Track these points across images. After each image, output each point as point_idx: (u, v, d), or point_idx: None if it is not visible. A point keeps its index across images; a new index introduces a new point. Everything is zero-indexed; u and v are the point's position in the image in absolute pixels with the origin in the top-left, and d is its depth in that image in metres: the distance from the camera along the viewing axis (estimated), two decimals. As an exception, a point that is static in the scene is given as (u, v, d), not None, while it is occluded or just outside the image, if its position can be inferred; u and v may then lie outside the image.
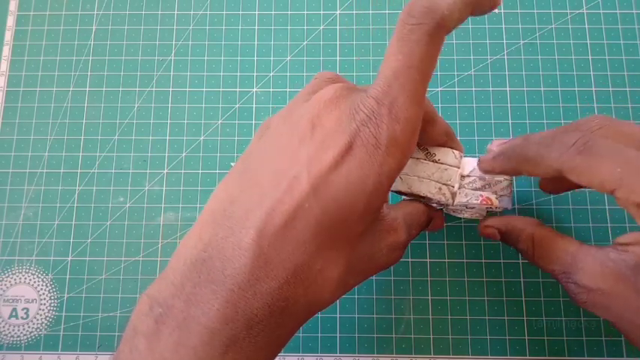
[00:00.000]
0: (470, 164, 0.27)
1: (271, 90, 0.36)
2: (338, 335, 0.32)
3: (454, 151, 0.27)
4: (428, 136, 0.26)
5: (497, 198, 0.27)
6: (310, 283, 0.20)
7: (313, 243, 0.19)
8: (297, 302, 0.20)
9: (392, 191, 0.27)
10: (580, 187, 0.28)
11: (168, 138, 0.35)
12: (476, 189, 0.27)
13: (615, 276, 0.21)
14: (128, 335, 0.19)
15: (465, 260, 0.32)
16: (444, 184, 0.27)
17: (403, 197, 0.31)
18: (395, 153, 0.20)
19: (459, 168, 0.27)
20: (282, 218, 0.19)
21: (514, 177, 0.27)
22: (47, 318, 0.33)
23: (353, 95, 0.21)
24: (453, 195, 0.27)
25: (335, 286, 0.20)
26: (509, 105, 0.35)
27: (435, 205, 0.30)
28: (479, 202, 0.26)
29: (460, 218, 0.33)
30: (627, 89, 0.35)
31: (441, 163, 0.27)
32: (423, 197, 0.27)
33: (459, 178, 0.27)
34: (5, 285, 0.33)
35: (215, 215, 0.20)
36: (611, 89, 0.35)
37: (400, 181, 0.27)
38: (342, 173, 0.19)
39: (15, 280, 0.33)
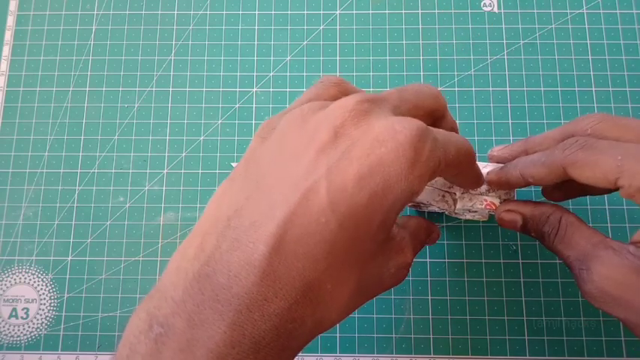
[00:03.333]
0: None
1: (271, 90, 0.36)
2: (338, 335, 0.32)
3: None
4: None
5: (500, 202, 0.27)
6: (319, 304, 0.18)
7: (325, 261, 0.18)
8: (304, 324, 0.18)
9: None
10: (582, 193, 0.28)
11: (168, 138, 0.35)
12: (480, 193, 0.27)
13: (632, 268, 0.21)
14: (124, 354, 0.18)
15: (464, 260, 0.32)
16: (446, 191, 0.27)
17: None
18: (425, 178, 0.19)
19: None
20: (295, 233, 0.18)
21: None
22: (47, 318, 0.33)
23: (383, 110, 0.20)
24: (455, 201, 0.27)
25: (344, 307, 0.20)
26: (509, 105, 0.35)
27: (436, 209, 0.30)
28: (483, 206, 0.26)
29: (460, 218, 0.33)
30: (627, 89, 0.35)
31: None
32: (426, 204, 0.27)
33: None
34: (5, 285, 0.33)
35: (218, 224, 0.19)
36: (611, 89, 0.35)
37: None
38: (367, 189, 0.18)
39: (15, 280, 0.33)
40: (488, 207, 0.26)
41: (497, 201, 0.27)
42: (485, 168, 0.27)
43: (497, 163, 0.27)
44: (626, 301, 0.21)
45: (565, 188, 0.29)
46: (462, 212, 0.29)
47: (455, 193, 0.27)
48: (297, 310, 0.18)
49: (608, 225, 0.32)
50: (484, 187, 0.27)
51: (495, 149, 0.28)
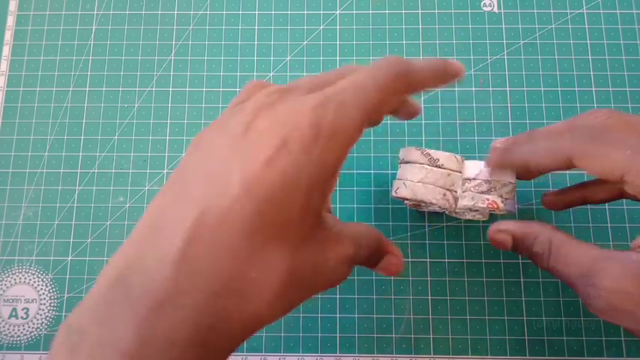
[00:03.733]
0: (474, 167, 0.27)
1: (271, 90, 0.36)
2: (338, 335, 0.32)
3: (456, 155, 0.27)
4: (409, 107, 0.26)
5: (502, 201, 0.27)
6: (244, 295, 0.18)
7: (246, 249, 0.18)
8: (229, 317, 0.18)
9: (396, 197, 0.27)
10: (582, 202, 0.28)
11: (168, 138, 0.35)
12: (482, 192, 0.27)
13: (637, 277, 0.20)
14: None
15: (465, 260, 0.32)
16: (447, 189, 0.27)
17: (405, 203, 0.31)
18: (334, 147, 0.19)
19: (460, 172, 0.27)
20: (210, 223, 0.17)
21: (516, 181, 0.27)
22: (47, 318, 0.33)
23: (290, 96, 0.20)
24: (456, 200, 0.27)
25: (273, 297, 0.18)
26: (509, 105, 0.35)
27: (437, 209, 0.30)
28: (485, 205, 0.26)
29: (460, 218, 0.33)
30: (627, 89, 0.35)
31: (445, 169, 0.27)
32: (427, 203, 0.27)
33: (462, 183, 0.27)
34: (5, 285, 0.33)
35: (143, 229, 0.19)
36: (611, 89, 0.35)
37: (404, 188, 0.27)
38: (277, 170, 0.18)
39: (15, 280, 0.33)
40: (490, 206, 0.26)
41: (499, 200, 0.27)
42: (476, 164, 0.27)
43: (495, 167, 0.27)
44: (635, 313, 0.20)
45: (565, 197, 0.29)
46: (463, 212, 0.29)
47: (455, 191, 0.27)
48: (218, 302, 0.17)
49: (608, 225, 0.32)
50: (485, 187, 0.27)
51: (498, 141, 0.28)
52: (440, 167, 0.27)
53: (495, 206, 0.26)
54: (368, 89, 0.20)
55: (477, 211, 0.28)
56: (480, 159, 0.27)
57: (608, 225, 0.33)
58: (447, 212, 0.31)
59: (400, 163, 0.28)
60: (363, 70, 0.21)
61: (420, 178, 0.27)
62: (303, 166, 0.18)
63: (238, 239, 0.18)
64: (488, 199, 0.26)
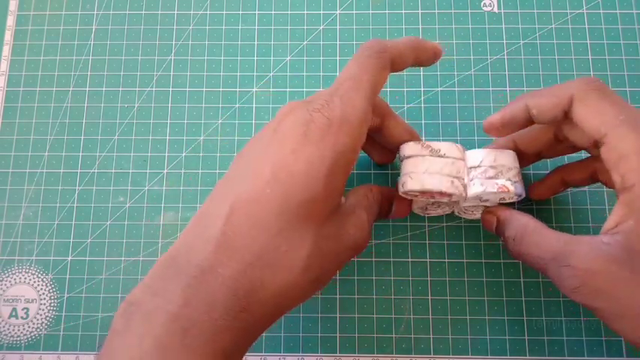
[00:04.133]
0: (477, 155, 0.27)
1: (271, 90, 0.36)
2: (338, 335, 0.32)
3: (457, 145, 0.27)
4: (391, 132, 0.28)
5: (511, 184, 0.26)
6: (277, 266, 0.21)
7: (276, 226, 0.21)
8: (263, 286, 0.20)
9: (404, 192, 0.27)
10: (565, 186, 0.30)
11: (168, 138, 0.35)
12: (489, 177, 0.26)
13: (608, 257, 0.21)
14: (107, 337, 0.21)
15: (465, 260, 0.32)
16: (454, 177, 0.26)
17: (413, 209, 0.31)
18: (348, 131, 0.22)
19: (464, 160, 0.27)
20: (244, 206, 0.21)
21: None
22: (47, 318, 0.33)
23: (306, 102, 0.23)
24: (465, 187, 0.27)
25: (304, 267, 0.21)
26: (509, 105, 0.35)
27: (447, 209, 0.30)
28: (496, 190, 0.26)
29: (460, 218, 0.33)
30: (627, 89, 0.35)
31: (448, 157, 0.26)
32: (438, 193, 0.26)
33: (467, 171, 0.27)
34: (5, 285, 0.33)
35: (192, 222, 0.23)
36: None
37: (410, 180, 0.26)
38: (301, 158, 0.21)
39: (15, 280, 0.33)
40: (500, 190, 0.26)
41: (508, 184, 0.26)
42: (478, 152, 0.27)
43: (499, 124, 0.27)
44: (606, 291, 0.21)
45: (547, 182, 0.30)
46: (472, 209, 0.29)
47: (463, 179, 0.27)
48: (253, 272, 0.20)
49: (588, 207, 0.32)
50: (492, 172, 0.26)
51: (491, 116, 0.27)
52: (443, 156, 0.26)
53: (506, 189, 0.26)
54: (360, 76, 0.24)
55: (486, 201, 0.28)
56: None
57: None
58: (455, 211, 0.31)
59: (401, 160, 0.28)
60: (351, 62, 0.24)
61: (425, 169, 0.26)
62: (323, 150, 0.21)
63: (269, 218, 0.21)
64: (497, 184, 0.26)
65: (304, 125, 0.22)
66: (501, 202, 0.28)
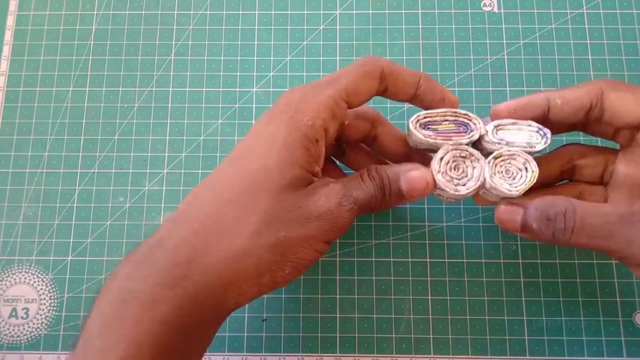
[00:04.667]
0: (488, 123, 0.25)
1: (271, 90, 0.36)
2: (338, 335, 0.32)
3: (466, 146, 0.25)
4: (382, 139, 0.28)
5: (537, 131, 0.25)
6: (223, 232, 0.22)
7: (227, 196, 0.22)
8: (207, 252, 0.21)
9: (421, 122, 0.25)
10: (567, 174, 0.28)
11: (168, 138, 0.35)
12: (513, 154, 0.24)
13: None
14: None
15: (464, 260, 0.32)
16: (462, 155, 0.25)
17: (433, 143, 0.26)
18: (304, 108, 0.23)
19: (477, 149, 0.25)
20: (207, 184, 0.23)
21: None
22: (47, 318, 0.33)
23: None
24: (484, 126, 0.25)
25: (253, 231, 0.22)
26: (509, 105, 0.35)
27: (473, 173, 0.25)
28: (518, 125, 0.25)
29: (460, 218, 0.33)
30: (627, 89, 0.35)
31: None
32: (455, 126, 0.25)
33: (479, 144, 0.25)
34: (5, 285, 0.33)
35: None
36: (611, 89, 0.35)
37: (416, 133, 0.25)
38: (261, 135, 0.24)
39: (15, 280, 0.33)
40: (522, 124, 0.25)
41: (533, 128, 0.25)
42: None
43: (507, 115, 0.26)
44: None
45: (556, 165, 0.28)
46: (498, 186, 0.25)
47: (478, 159, 0.24)
48: (197, 239, 0.21)
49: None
50: (514, 128, 0.25)
51: (502, 104, 0.26)
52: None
53: (529, 124, 0.25)
54: (338, 75, 0.25)
55: (513, 177, 0.25)
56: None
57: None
58: (481, 193, 0.26)
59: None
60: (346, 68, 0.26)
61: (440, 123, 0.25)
62: (278, 126, 0.23)
63: (220, 189, 0.23)
64: (521, 125, 0.25)
65: (269, 113, 0.25)
66: (531, 152, 0.25)
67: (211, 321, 0.22)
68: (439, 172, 0.24)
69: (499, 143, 0.25)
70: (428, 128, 0.25)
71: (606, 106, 0.24)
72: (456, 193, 0.25)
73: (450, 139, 0.25)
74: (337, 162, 0.31)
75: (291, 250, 0.22)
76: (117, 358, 0.20)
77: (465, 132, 0.25)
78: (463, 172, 0.25)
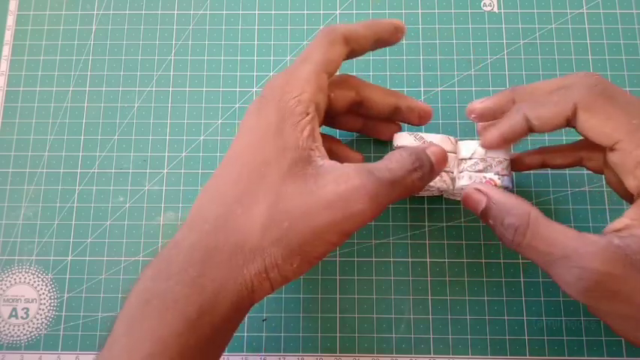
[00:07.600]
0: (469, 146, 0.27)
1: (271, 90, 0.36)
2: (338, 335, 0.32)
3: (450, 137, 0.27)
4: (370, 98, 0.29)
5: (499, 178, 0.27)
6: (231, 228, 0.22)
7: (233, 195, 0.23)
8: (217, 249, 0.22)
9: None
10: (541, 166, 0.29)
11: (168, 138, 0.35)
12: (478, 171, 0.27)
13: (625, 260, 0.21)
14: None
15: (465, 260, 0.32)
16: (444, 170, 0.27)
17: None
18: (289, 90, 0.24)
19: (455, 153, 0.27)
20: (211, 184, 0.24)
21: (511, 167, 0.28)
22: (47, 318, 0.33)
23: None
24: (453, 180, 0.27)
25: (261, 226, 0.22)
26: (509, 105, 0.35)
27: (436, 193, 0.30)
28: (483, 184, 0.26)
29: (460, 218, 0.33)
30: (627, 89, 0.35)
31: None
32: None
33: (457, 163, 0.27)
34: (5, 285, 0.33)
35: None
36: (611, 89, 0.35)
37: None
38: (254, 131, 0.24)
39: (15, 279, 0.33)
40: (487, 184, 0.26)
41: (496, 177, 0.26)
42: (470, 144, 0.27)
43: (481, 116, 0.27)
44: (620, 293, 0.21)
45: (526, 158, 0.29)
46: (459, 193, 0.29)
47: (452, 172, 0.27)
48: (209, 238, 0.22)
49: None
50: (481, 165, 0.27)
51: (476, 102, 0.28)
52: None
53: (493, 184, 0.26)
54: (307, 52, 0.26)
55: None
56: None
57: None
58: (444, 195, 0.31)
59: (395, 149, 0.28)
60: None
61: None
62: (267, 115, 0.24)
63: (225, 189, 0.23)
64: (485, 178, 0.27)
65: (255, 105, 0.25)
66: None
67: (229, 318, 0.22)
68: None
69: (459, 195, 0.28)
70: None
71: (577, 125, 0.24)
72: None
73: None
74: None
75: (296, 241, 0.21)
76: (143, 355, 0.20)
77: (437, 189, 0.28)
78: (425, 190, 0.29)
